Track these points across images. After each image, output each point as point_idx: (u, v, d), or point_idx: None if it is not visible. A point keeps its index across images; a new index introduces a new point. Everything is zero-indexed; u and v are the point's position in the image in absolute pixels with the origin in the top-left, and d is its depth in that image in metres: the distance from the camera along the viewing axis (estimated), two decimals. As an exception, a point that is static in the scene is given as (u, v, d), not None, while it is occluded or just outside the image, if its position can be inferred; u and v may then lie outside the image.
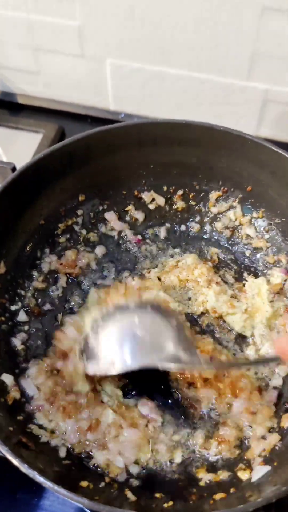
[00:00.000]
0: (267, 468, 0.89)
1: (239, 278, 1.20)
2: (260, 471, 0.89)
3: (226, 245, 1.25)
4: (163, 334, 0.91)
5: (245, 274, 1.20)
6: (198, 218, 1.27)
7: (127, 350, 0.90)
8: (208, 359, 0.97)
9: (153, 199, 1.26)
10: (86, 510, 1.01)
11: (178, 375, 1.02)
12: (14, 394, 0.98)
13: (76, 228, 1.22)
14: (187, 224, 1.27)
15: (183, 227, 1.27)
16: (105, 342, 0.93)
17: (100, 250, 1.23)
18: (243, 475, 0.91)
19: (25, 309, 1.12)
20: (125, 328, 0.92)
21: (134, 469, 0.95)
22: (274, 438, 0.95)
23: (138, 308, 0.97)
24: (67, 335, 1.02)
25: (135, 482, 0.92)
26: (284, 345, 0.78)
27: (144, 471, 0.95)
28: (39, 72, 1.58)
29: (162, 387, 1.04)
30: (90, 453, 0.96)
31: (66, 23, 1.40)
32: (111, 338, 0.92)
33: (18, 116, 1.64)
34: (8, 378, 0.99)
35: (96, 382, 1.01)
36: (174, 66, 1.42)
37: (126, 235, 1.26)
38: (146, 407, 1.01)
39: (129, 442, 0.95)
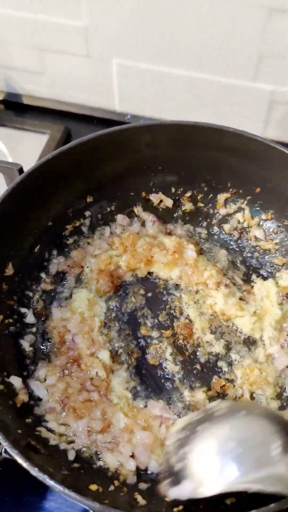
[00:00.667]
0: None
1: (247, 280, 1.19)
2: None
3: (234, 247, 1.24)
4: (263, 441, 0.74)
5: (253, 276, 1.20)
6: (206, 220, 1.26)
7: (221, 470, 0.73)
8: None
9: (161, 201, 1.25)
10: (91, 512, 1.01)
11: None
12: (23, 397, 0.98)
13: (84, 229, 1.22)
14: (195, 225, 1.27)
15: (191, 229, 1.27)
16: (191, 462, 0.78)
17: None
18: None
19: (33, 310, 1.11)
20: (214, 443, 0.76)
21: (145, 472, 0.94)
22: None
23: (229, 412, 0.81)
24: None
25: (144, 486, 0.91)
26: None
27: (153, 475, 0.94)
28: (45, 73, 1.58)
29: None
30: (99, 455, 0.96)
31: (72, 23, 1.40)
32: (198, 457, 0.78)
33: (23, 117, 1.63)
34: (16, 380, 0.99)
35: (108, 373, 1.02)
36: (180, 67, 1.42)
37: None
38: (156, 408, 1.01)
39: (142, 445, 0.95)
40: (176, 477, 0.79)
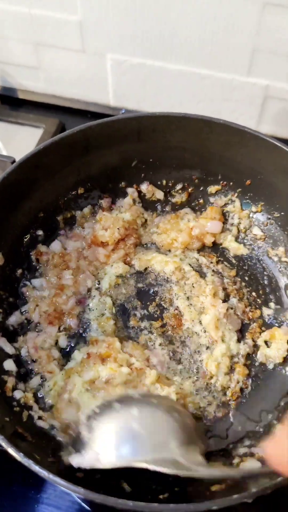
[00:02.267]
0: (258, 464, 0.90)
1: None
2: (252, 466, 0.90)
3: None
4: (164, 432, 0.82)
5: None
6: (196, 212, 1.27)
7: (119, 446, 0.81)
8: (205, 464, 0.84)
9: (153, 193, 1.25)
10: (82, 503, 1.01)
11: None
12: (11, 384, 0.98)
13: (75, 220, 1.23)
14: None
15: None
16: (97, 434, 0.84)
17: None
18: (238, 467, 0.91)
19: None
20: (119, 422, 0.84)
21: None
22: None
23: (137, 398, 0.88)
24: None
25: (132, 474, 0.91)
26: (278, 451, 0.67)
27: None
28: (40, 67, 1.58)
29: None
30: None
31: (67, 18, 1.40)
32: (103, 432, 0.84)
33: (18, 111, 1.64)
34: (9, 364, 1.01)
35: None
36: (174, 62, 1.42)
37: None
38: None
39: None
40: (80, 445, 0.85)
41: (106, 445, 0.82)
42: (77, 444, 0.86)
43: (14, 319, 1.09)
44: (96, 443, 0.83)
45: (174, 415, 0.86)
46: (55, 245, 1.18)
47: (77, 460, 0.83)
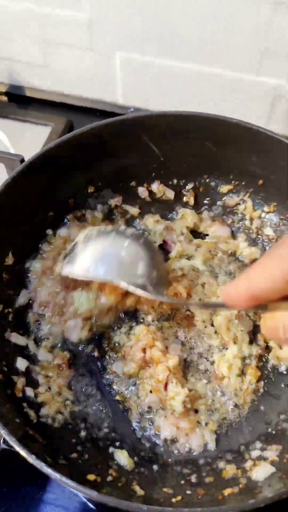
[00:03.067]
0: (273, 469, 0.88)
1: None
2: (266, 470, 0.88)
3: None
4: (140, 263, 0.97)
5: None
6: (208, 212, 1.26)
7: (104, 263, 0.96)
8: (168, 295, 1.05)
9: (163, 192, 1.24)
10: (90, 504, 1.00)
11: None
12: (21, 385, 0.98)
13: (85, 219, 1.21)
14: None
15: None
16: (88, 251, 0.98)
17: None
18: (252, 471, 0.90)
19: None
20: (110, 246, 0.98)
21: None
22: None
23: (130, 234, 1.02)
24: None
25: (142, 475, 0.91)
26: (231, 291, 0.72)
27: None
28: (48, 66, 1.57)
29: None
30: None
31: (75, 16, 1.39)
32: (95, 250, 0.98)
33: (26, 109, 1.63)
34: (21, 363, 1.01)
35: None
36: (184, 60, 1.41)
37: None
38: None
39: None
40: (73, 261, 0.98)
41: (96, 262, 0.96)
42: (70, 256, 0.99)
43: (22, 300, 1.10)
44: (88, 258, 0.97)
45: (157, 258, 1.03)
46: (62, 231, 1.17)
47: (68, 270, 0.98)
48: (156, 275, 0.98)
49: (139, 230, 1.19)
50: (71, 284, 1.07)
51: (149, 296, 0.93)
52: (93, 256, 0.97)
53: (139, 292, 0.93)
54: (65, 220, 1.18)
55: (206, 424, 1.00)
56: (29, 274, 1.11)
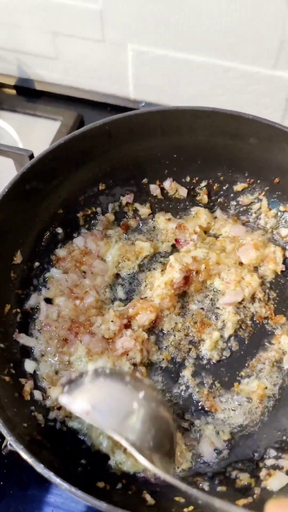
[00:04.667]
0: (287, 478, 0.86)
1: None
2: (281, 481, 0.86)
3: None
4: (151, 428, 0.83)
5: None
6: (222, 211, 1.23)
7: (108, 412, 0.83)
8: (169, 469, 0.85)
9: (176, 190, 1.21)
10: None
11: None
12: (29, 388, 0.96)
13: (97, 217, 1.19)
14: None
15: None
16: (94, 391, 0.86)
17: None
18: (266, 481, 0.87)
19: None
20: (126, 395, 0.85)
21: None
22: None
23: (148, 385, 0.90)
24: None
25: (154, 484, 0.88)
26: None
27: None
28: (58, 58, 1.54)
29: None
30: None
31: (87, 6, 1.36)
32: (102, 392, 0.86)
33: (36, 103, 1.60)
34: (30, 365, 0.99)
35: None
36: (197, 53, 1.37)
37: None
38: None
39: None
40: (74, 388, 0.85)
41: (100, 407, 0.82)
42: (72, 386, 0.86)
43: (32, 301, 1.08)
44: (91, 398, 0.83)
45: (168, 423, 0.88)
46: (79, 241, 1.15)
47: (66, 401, 0.84)
48: (162, 444, 0.85)
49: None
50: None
51: (148, 465, 0.78)
52: (96, 399, 0.84)
53: (139, 457, 0.78)
54: (80, 230, 1.17)
55: (218, 432, 0.97)
56: (46, 281, 1.10)
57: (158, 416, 0.86)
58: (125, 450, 0.91)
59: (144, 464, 0.77)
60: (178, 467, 0.93)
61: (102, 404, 0.83)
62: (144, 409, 0.83)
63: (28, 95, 1.63)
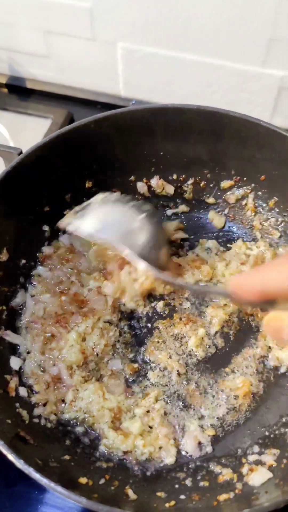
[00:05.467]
0: (270, 474, 0.86)
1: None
2: (263, 476, 0.86)
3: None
4: (148, 240, 0.98)
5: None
6: (207, 208, 1.23)
7: (113, 228, 0.97)
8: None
9: (163, 187, 1.21)
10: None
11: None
12: (14, 384, 0.96)
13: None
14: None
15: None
16: (101, 213, 1.00)
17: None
18: (249, 476, 0.87)
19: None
20: (124, 215, 0.99)
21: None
22: None
23: (146, 210, 1.02)
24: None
25: (135, 478, 0.89)
26: (242, 282, 0.72)
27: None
28: (49, 56, 1.54)
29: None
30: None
31: (77, 5, 1.36)
32: (109, 213, 1.00)
33: (27, 101, 1.60)
34: (15, 362, 0.99)
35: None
36: (188, 51, 1.37)
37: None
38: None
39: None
40: (84, 214, 0.99)
41: (107, 224, 0.97)
42: (82, 213, 1.00)
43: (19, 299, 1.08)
44: (99, 218, 0.98)
45: (164, 239, 1.06)
46: (64, 239, 1.16)
47: (77, 225, 0.98)
48: (160, 256, 0.99)
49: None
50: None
51: (149, 269, 0.94)
52: (105, 218, 0.98)
53: (141, 263, 0.95)
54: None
55: (202, 428, 0.98)
56: (32, 280, 1.11)
57: (156, 232, 1.00)
58: (117, 430, 0.95)
59: (143, 268, 0.94)
60: (162, 461, 0.93)
61: (110, 222, 0.98)
62: (145, 227, 0.98)
63: (19, 94, 1.62)
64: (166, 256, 1.03)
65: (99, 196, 1.02)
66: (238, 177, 1.17)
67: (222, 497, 0.83)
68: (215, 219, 1.21)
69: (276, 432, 0.95)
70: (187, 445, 0.95)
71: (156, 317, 1.11)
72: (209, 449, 0.95)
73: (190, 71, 1.42)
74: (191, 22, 1.30)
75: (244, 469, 0.89)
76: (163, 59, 1.41)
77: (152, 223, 0.99)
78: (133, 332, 1.09)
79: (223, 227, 1.22)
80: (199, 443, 0.96)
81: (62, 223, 1.02)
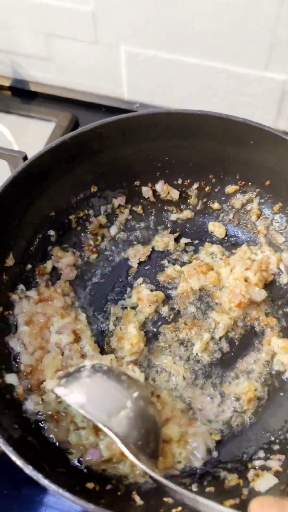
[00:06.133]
0: (275, 480, 0.87)
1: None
2: (268, 482, 0.87)
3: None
4: (142, 426, 0.87)
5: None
6: (213, 212, 1.23)
7: (104, 408, 0.87)
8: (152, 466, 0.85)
9: (168, 192, 1.22)
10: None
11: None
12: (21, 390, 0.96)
13: (88, 220, 1.19)
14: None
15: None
16: (92, 387, 0.90)
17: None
18: (254, 482, 0.88)
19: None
20: (120, 393, 0.89)
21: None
22: None
23: (142, 385, 0.96)
24: None
25: (143, 486, 0.89)
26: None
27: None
28: (52, 59, 1.55)
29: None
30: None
31: (79, 8, 1.36)
32: (99, 388, 0.90)
33: (30, 104, 1.61)
34: (12, 378, 0.97)
35: None
36: (190, 54, 1.38)
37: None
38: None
39: None
40: (72, 381, 0.90)
41: (96, 401, 0.87)
42: (70, 379, 0.91)
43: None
44: (89, 394, 0.88)
45: (157, 424, 0.92)
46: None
47: (63, 392, 0.89)
48: (149, 443, 0.88)
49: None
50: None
51: (136, 463, 0.82)
52: (94, 393, 0.88)
53: (127, 453, 0.82)
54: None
55: (211, 433, 0.98)
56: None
57: (148, 416, 0.89)
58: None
59: (130, 458, 0.81)
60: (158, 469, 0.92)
61: (96, 399, 0.87)
62: (136, 408, 0.87)
63: (22, 97, 1.63)
64: (155, 444, 0.90)
65: (88, 363, 0.94)
66: (243, 182, 1.18)
67: (228, 502, 0.84)
68: (215, 230, 1.21)
69: (281, 437, 0.96)
70: (199, 449, 0.95)
71: (160, 322, 1.11)
72: (214, 454, 0.95)
73: (191, 74, 1.43)
74: (192, 25, 1.30)
75: (250, 475, 0.90)
76: (165, 62, 1.42)
77: (143, 406, 0.89)
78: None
79: (226, 234, 1.22)
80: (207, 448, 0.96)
81: (48, 385, 0.94)
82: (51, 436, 0.93)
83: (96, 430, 0.92)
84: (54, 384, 0.92)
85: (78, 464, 0.91)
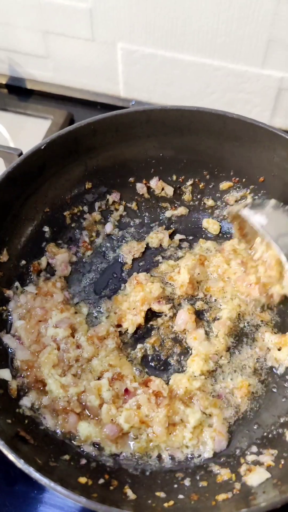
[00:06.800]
0: (268, 474, 0.87)
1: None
2: (261, 476, 0.87)
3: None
4: None
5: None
6: (207, 210, 1.24)
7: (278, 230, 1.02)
8: None
9: (162, 189, 1.22)
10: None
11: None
12: (14, 385, 0.97)
13: (83, 216, 1.20)
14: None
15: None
16: (274, 216, 1.04)
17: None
18: (247, 476, 0.88)
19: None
20: None
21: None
22: None
23: None
24: None
25: (135, 478, 0.89)
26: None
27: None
28: (49, 57, 1.55)
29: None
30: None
31: (77, 6, 1.37)
32: (278, 217, 1.05)
33: (26, 102, 1.61)
34: (5, 373, 0.98)
35: None
36: (186, 52, 1.38)
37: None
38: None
39: None
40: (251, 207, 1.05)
41: (276, 226, 1.02)
42: (255, 206, 1.05)
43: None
44: (270, 216, 1.03)
45: None
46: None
47: (247, 213, 1.04)
48: None
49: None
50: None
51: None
52: (276, 221, 1.02)
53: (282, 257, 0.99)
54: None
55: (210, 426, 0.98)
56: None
57: None
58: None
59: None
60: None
61: (276, 224, 1.02)
62: None
63: (19, 94, 1.63)
64: None
65: (273, 201, 1.05)
66: (237, 178, 1.18)
67: (221, 497, 0.84)
68: (209, 226, 1.22)
69: (274, 432, 0.96)
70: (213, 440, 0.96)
71: (155, 316, 1.11)
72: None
73: (189, 72, 1.43)
74: (190, 23, 1.30)
75: (242, 469, 0.90)
76: (162, 59, 1.42)
77: None
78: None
79: (220, 231, 1.22)
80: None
81: (233, 208, 1.08)
82: (52, 426, 0.94)
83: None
84: (240, 207, 1.06)
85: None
